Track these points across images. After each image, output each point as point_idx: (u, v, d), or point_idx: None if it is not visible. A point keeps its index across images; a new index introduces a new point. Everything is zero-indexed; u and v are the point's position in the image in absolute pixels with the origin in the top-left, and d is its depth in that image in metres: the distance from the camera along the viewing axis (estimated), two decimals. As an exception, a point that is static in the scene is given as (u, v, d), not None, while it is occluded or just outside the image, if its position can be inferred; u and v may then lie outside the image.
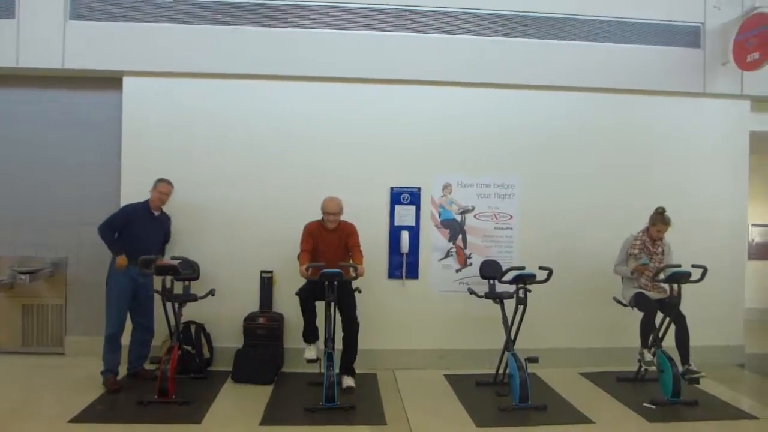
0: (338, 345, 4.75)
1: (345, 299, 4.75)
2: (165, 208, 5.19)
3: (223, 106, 5.56)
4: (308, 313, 4.87)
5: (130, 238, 4.82)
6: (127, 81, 5.51)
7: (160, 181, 5.02)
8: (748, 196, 6.10)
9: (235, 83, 5.54)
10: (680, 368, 4.68)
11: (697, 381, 4.72)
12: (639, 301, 4.96)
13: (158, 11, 5.46)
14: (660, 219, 4.98)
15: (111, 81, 5.51)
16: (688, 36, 5.89)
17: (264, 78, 5.53)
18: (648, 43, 5.82)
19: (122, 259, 4.75)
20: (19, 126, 5.65)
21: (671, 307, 4.80)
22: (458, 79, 5.64)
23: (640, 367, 5.17)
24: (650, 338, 4.88)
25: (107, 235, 4.83)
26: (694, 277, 4.75)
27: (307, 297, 4.82)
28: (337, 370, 4.55)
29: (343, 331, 4.80)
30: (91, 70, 5.46)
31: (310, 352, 4.88)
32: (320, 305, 4.76)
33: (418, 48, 5.60)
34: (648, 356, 4.87)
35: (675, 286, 4.80)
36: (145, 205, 4.99)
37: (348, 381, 4.85)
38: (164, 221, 5.17)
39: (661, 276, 4.80)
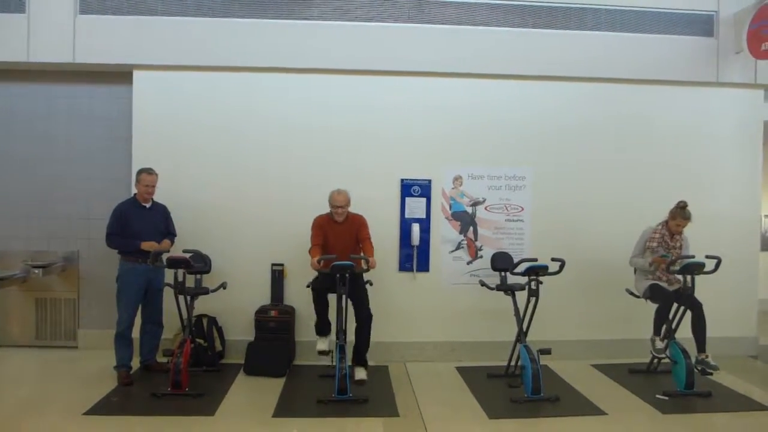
0: (350, 337, 4.76)
1: (357, 291, 4.74)
2: (169, 201, 5.17)
3: (233, 99, 5.55)
4: (320, 306, 4.87)
5: (129, 235, 4.81)
6: (137, 75, 5.51)
7: (141, 172, 4.91)
8: (762, 187, 6.04)
9: (245, 76, 5.54)
10: (696, 356, 4.66)
11: (709, 374, 4.70)
12: (654, 292, 4.92)
13: (168, 4, 5.46)
14: (681, 213, 4.91)
15: (121, 75, 5.52)
16: (702, 25, 5.82)
17: (274, 70, 5.52)
18: (660, 33, 5.76)
19: (147, 244, 4.76)
20: (29, 120, 5.67)
21: (685, 297, 4.77)
22: (470, 71, 5.61)
23: (653, 358, 5.15)
24: (663, 328, 4.85)
25: (114, 241, 4.84)
26: (708, 268, 4.71)
27: (319, 291, 4.82)
28: (349, 363, 4.56)
29: (356, 322, 4.80)
30: (101, 64, 5.46)
31: (322, 344, 4.90)
32: (332, 298, 4.76)
33: (429, 39, 5.57)
34: (659, 343, 4.84)
35: (689, 277, 4.76)
36: (134, 200, 4.96)
37: (360, 373, 4.85)
38: (159, 211, 5.07)
39: (676, 267, 4.76)
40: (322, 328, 4.95)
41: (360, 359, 4.90)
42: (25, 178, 5.67)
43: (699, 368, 4.66)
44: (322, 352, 4.88)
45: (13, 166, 5.68)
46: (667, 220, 5.02)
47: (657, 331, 4.88)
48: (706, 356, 4.70)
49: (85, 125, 5.68)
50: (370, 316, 4.83)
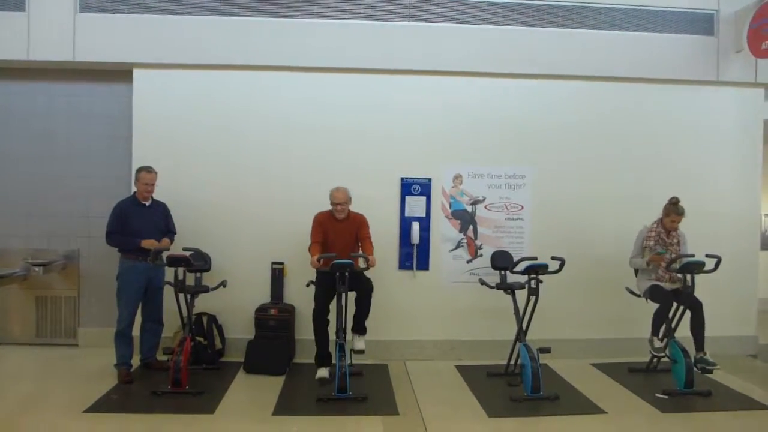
0: (349, 337, 4.77)
1: (359, 283, 4.74)
2: (169, 199, 5.18)
3: (233, 97, 5.56)
4: (321, 336, 4.79)
5: (129, 233, 4.82)
6: (137, 73, 5.51)
7: (140, 170, 4.92)
8: (762, 186, 6.04)
9: (245, 74, 5.54)
10: (695, 355, 4.66)
11: (709, 371, 4.70)
12: (654, 294, 4.92)
13: (168, 3, 5.46)
14: (674, 209, 4.94)
15: (121, 73, 5.52)
16: (702, 23, 5.81)
17: (275, 69, 5.53)
18: (661, 31, 5.76)
19: (148, 242, 4.77)
20: (30, 118, 5.67)
21: (685, 296, 4.77)
22: (470, 69, 5.61)
23: (652, 357, 5.15)
24: (661, 329, 4.85)
25: (114, 239, 4.85)
26: (708, 267, 4.71)
27: (319, 314, 4.73)
28: (349, 361, 4.56)
29: (356, 293, 4.77)
30: (101, 62, 5.47)
31: (323, 372, 4.85)
32: (332, 317, 4.75)
33: (429, 38, 5.57)
34: (657, 343, 4.84)
35: (689, 276, 4.76)
36: (134, 198, 4.96)
37: (359, 343, 4.82)
38: (158, 209, 5.07)
39: (676, 266, 4.76)
40: (322, 359, 4.89)
41: (359, 327, 4.87)
42: (25, 177, 5.67)
43: (698, 367, 4.66)
44: (322, 380, 4.82)
45: (14, 164, 5.68)
46: (661, 217, 5.03)
47: (655, 331, 4.88)
48: (705, 354, 4.71)
49: (85, 124, 5.68)
50: (371, 286, 4.80)
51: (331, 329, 4.76)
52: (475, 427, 4.00)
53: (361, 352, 4.80)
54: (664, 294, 4.88)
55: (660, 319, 4.84)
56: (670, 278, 4.96)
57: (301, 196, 5.41)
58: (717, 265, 4.75)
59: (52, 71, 5.60)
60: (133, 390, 4.56)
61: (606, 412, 4.25)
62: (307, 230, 4.89)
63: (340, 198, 4.82)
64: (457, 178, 5.69)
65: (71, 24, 5.38)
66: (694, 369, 4.61)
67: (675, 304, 4.85)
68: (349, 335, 4.73)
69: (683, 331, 4.82)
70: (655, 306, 4.93)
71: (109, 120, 5.66)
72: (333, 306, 4.75)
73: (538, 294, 4.74)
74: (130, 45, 5.42)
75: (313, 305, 4.79)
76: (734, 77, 5.81)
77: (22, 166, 5.67)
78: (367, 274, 4.82)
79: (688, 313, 4.81)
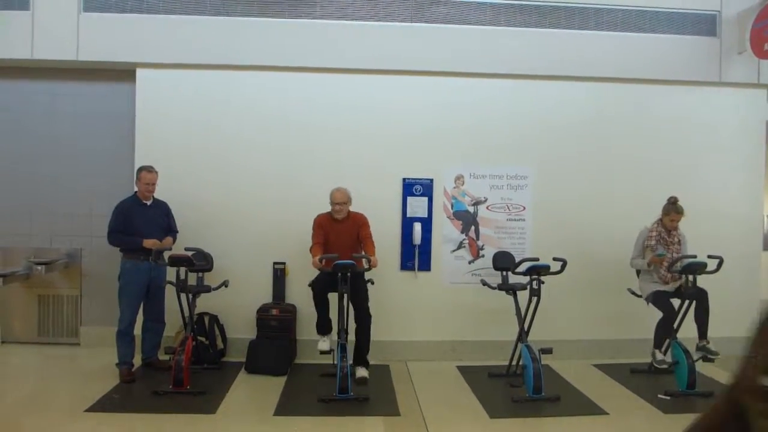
0: (351, 337, 4.78)
1: (357, 291, 4.75)
2: (172, 199, 5.19)
3: (235, 98, 5.56)
4: (321, 305, 4.87)
5: (130, 233, 4.82)
6: (140, 73, 5.51)
7: (141, 170, 4.93)
8: (764, 186, 6.03)
9: (247, 75, 5.54)
10: (697, 343, 4.67)
11: (711, 360, 4.70)
12: (658, 301, 4.89)
13: (171, 2, 5.47)
14: (673, 208, 4.94)
15: (124, 73, 5.53)
16: (704, 24, 5.80)
17: (277, 69, 5.52)
18: (663, 32, 5.75)
19: (149, 241, 4.77)
20: (33, 118, 5.68)
21: (687, 294, 4.78)
22: (472, 70, 5.60)
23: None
24: (665, 342, 4.83)
25: (116, 238, 4.85)
26: (709, 268, 4.71)
27: (319, 290, 4.82)
28: (350, 362, 4.57)
29: (355, 322, 4.81)
30: (104, 62, 5.47)
31: (324, 343, 4.89)
32: (333, 297, 4.77)
33: (431, 38, 5.57)
34: (659, 356, 4.83)
35: (690, 276, 4.76)
36: (135, 197, 4.97)
37: (361, 372, 4.85)
38: (160, 208, 5.08)
39: (677, 267, 4.76)
40: (323, 327, 4.94)
41: (361, 359, 4.91)
42: (28, 176, 5.68)
43: (700, 355, 4.66)
44: (323, 352, 4.88)
45: (16, 163, 5.69)
46: (660, 217, 5.03)
47: (658, 344, 4.86)
48: (707, 342, 4.71)
49: (88, 123, 5.68)
50: (369, 317, 4.83)
51: (333, 317, 4.78)
52: (477, 428, 4.00)
53: (365, 381, 4.79)
54: (669, 304, 4.86)
55: (663, 330, 4.82)
56: (672, 278, 4.95)
57: (303, 196, 5.41)
58: (719, 266, 4.75)
59: (55, 70, 5.61)
60: (134, 389, 4.57)
61: (608, 413, 4.25)
62: (309, 230, 4.90)
63: (338, 198, 4.82)
64: (459, 178, 5.69)
65: (75, 23, 5.38)
66: (695, 367, 4.60)
67: (676, 308, 4.85)
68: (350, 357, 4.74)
69: (684, 333, 4.81)
70: (657, 312, 4.91)
71: (111, 119, 5.67)
72: (333, 307, 4.77)
73: (540, 295, 4.74)
74: (133, 45, 5.42)
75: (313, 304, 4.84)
76: (737, 78, 5.80)
77: (25, 165, 5.68)
78: (368, 275, 4.82)
79: (690, 313, 4.81)
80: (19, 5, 5.39)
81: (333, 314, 4.86)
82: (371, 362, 5.01)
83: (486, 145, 5.69)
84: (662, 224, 5.02)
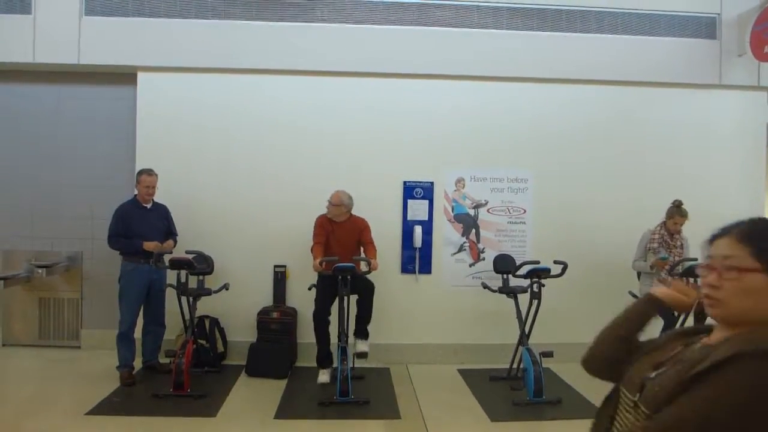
0: (351, 340, 4.77)
1: (361, 289, 4.74)
2: (172, 202, 5.19)
3: (236, 101, 5.56)
4: (321, 335, 4.79)
5: (131, 236, 4.82)
6: (141, 76, 5.52)
7: (141, 173, 4.94)
8: (765, 189, 6.02)
9: (248, 78, 5.55)
10: None
11: None
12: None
13: (172, 6, 5.47)
14: (677, 212, 4.93)
15: (125, 76, 5.53)
16: (704, 27, 5.81)
17: (277, 73, 5.53)
18: (663, 35, 5.75)
19: (150, 244, 4.78)
20: (34, 121, 5.69)
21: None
22: (473, 73, 5.60)
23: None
24: None
25: (117, 242, 4.86)
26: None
27: (320, 314, 4.74)
28: (351, 365, 4.56)
29: (358, 295, 4.78)
30: (105, 65, 5.48)
31: (324, 376, 4.84)
32: (334, 316, 4.77)
33: (432, 42, 5.57)
34: None
35: (692, 279, 4.75)
36: (135, 201, 4.98)
37: (361, 345, 4.81)
38: (160, 212, 5.09)
39: (679, 270, 4.75)
40: (323, 360, 4.87)
41: (362, 330, 4.86)
42: (29, 179, 5.69)
43: None
44: (323, 384, 4.81)
45: (18, 166, 5.70)
46: (664, 220, 5.02)
47: None
48: None
49: (90, 126, 5.69)
50: (372, 287, 4.80)
51: (333, 333, 4.78)
52: None
53: (365, 355, 4.78)
54: (669, 311, 4.82)
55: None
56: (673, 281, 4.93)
57: (305, 199, 5.40)
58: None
59: (57, 74, 5.62)
60: (134, 393, 4.56)
61: (609, 417, 4.23)
62: (310, 233, 4.91)
63: (333, 199, 4.85)
64: (460, 181, 5.69)
65: (76, 27, 5.39)
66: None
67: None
68: (351, 338, 4.73)
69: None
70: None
71: (113, 123, 5.68)
72: (334, 309, 4.77)
73: (541, 298, 4.74)
74: (134, 48, 5.43)
75: (314, 307, 4.81)
76: (737, 81, 5.80)
77: (26, 168, 5.69)
78: (369, 277, 4.82)
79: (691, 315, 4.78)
80: (20, 9, 5.40)
81: (334, 319, 4.86)
82: (371, 365, 5.01)
83: (487, 148, 5.69)
84: (665, 227, 5.01)
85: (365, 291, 4.79)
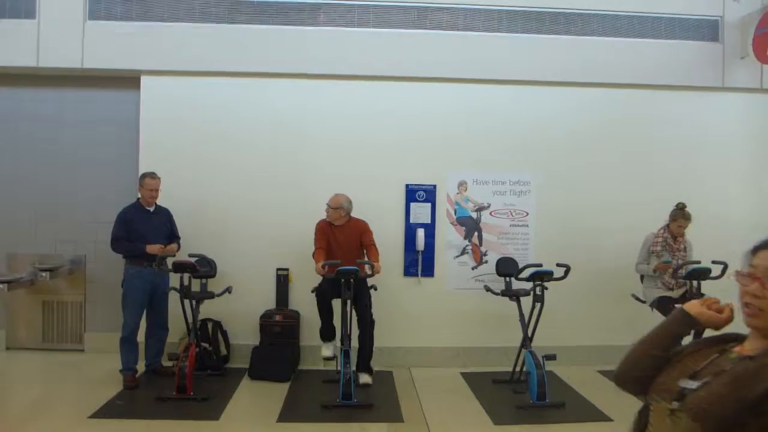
0: (354, 343, 4.78)
1: (361, 297, 4.75)
2: (175, 205, 5.20)
3: (240, 104, 5.58)
4: (325, 312, 4.88)
5: (134, 239, 4.83)
6: (145, 80, 5.54)
7: (144, 176, 4.95)
8: (769, 192, 6.01)
9: (251, 81, 5.56)
10: None
11: None
12: (662, 307, 4.87)
13: (175, 11, 5.50)
14: (681, 214, 4.92)
15: (129, 80, 5.55)
16: (707, 30, 5.81)
17: (279, 76, 5.54)
18: (665, 38, 5.75)
19: (153, 247, 4.78)
20: (39, 125, 5.71)
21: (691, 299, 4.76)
22: (475, 76, 5.61)
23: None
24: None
25: (120, 246, 4.86)
26: (714, 274, 4.69)
27: (323, 296, 4.83)
28: (354, 368, 4.56)
29: (358, 328, 4.82)
30: (109, 69, 5.50)
31: (327, 350, 4.90)
32: (336, 303, 4.78)
33: (434, 45, 5.58)
34: None
35: (695, 282, 4.74)
36: (138, 204, 4.99)
37: (365, 378, 4.85)
38: (163, 215, 5.10)
39: (682, 272, 4.74)
40: (327, 333, 4.94)
41: (364, 366, 4.90)
42: (33, 182, 5.71)
43: None
44: (327, 358, 4.88)
45: (22, 169, 5.71)
46: (668, 223, 5.01)
47: None
48: None
49: (93, 130, 5.71)
50: (372, 323, 4.85)
51: (336, 327, 4.79)
52: (481, 435, 3.99)
53: (368, 386, 4.81)
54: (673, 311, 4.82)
55: None
56: (676, 284, 4.93)
57: (307, 203, 5.41)
58: (723, 271, 4.72)
59: (61, 78, 5.64)
60: (138, 396, 4.57)
61: (612, 420, 4.21)
62: (313, 236, 4.93)
63: (333, 203, 4.87)
64: (462, 184, 5.69)
65: (80, 31, 5.42)
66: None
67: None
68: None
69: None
70: (661, 318, 4.88)
71: (116, 126, 5.70)
72: (336, 309, 4.77)
73: (544, 301, 4.74)
74: (138, 52, 5.45)
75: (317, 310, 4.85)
76: (740, 83, 5.79)
77: (30, 172, 5.70)
78: (371, 281, 4.82)
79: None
80: (25, 14, 5.43)
81: (337, 320, 4.87)
82: (375, 368, 5.01)
83: (489, 150, 5.69)
84: (669, 230, 5.00)
85: (366, 328, 4.83)
